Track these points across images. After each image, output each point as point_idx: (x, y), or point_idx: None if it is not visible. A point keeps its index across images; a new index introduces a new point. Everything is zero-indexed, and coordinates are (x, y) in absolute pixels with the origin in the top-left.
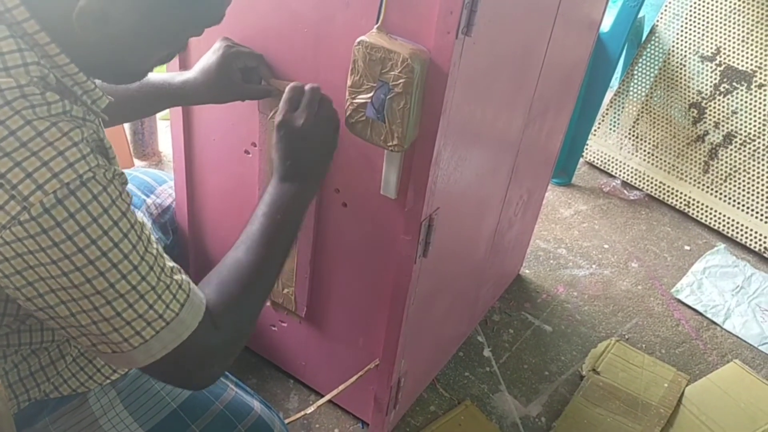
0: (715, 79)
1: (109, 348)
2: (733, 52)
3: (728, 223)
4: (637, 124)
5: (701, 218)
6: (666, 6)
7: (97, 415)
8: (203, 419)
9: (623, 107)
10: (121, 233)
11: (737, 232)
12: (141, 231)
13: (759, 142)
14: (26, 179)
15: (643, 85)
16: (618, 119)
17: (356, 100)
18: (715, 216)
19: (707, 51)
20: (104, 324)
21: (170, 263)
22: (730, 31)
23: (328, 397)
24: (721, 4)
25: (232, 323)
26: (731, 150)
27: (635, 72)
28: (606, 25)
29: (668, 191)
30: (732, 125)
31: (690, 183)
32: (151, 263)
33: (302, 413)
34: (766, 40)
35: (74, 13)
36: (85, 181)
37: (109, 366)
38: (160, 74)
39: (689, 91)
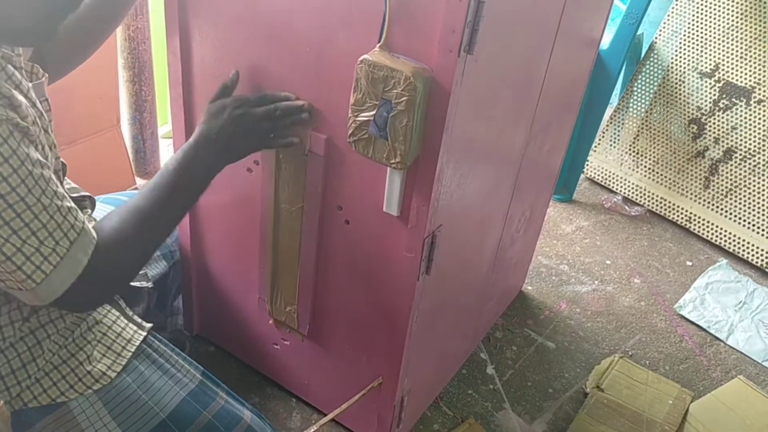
0: (714, 95)
1: (16, 286)
2: (732, 68)
3: (730, 238)
4: (637, 140)
5: (703, 234)
6: (664, 23)
7: (83, 426)
8: (191, 429)
9: (623, 123)
10: (19, 179)
11: (739, 248)
12: (39, 175)
13: (759, 158)
14: None
15: (643, 101)
16: (618, 135)
17: (359, 118)
18: (716, 231)
19: (706, 67)
20: (7, 263)
21: (68, 203)
22: (728, 48)
23: (330, 416)
24: (719, 20)
25: (122, 261)
26: (731, 165)
27: (635, 88)
28: (605, 42)
29: (669, 207)
30: (732, 141)
31: (691, 198)
32: (45, 204)
33: None
34: (764, 56)
35: None
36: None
37: (91, 375)
38: None
39: (689, 107)
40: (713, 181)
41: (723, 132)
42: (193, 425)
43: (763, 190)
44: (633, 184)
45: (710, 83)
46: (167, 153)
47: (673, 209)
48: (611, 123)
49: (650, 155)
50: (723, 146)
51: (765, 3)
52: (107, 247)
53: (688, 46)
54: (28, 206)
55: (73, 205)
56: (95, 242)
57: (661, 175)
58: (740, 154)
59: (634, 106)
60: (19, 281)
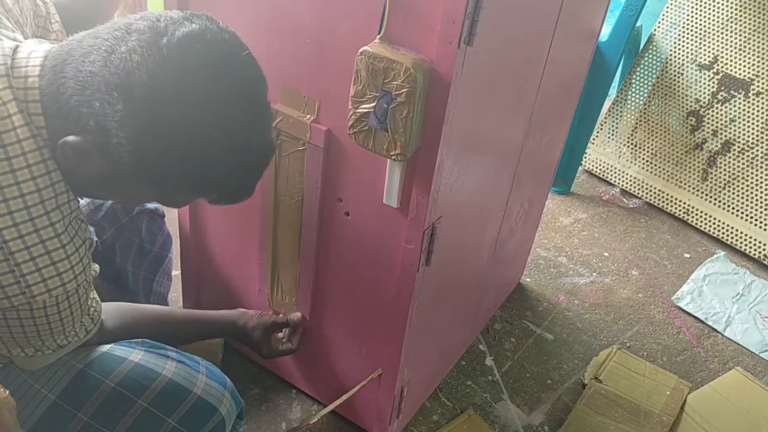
0: (713, 87)
1: (23, 352)
2: (731, 61)
3: (727, 230)
4: (636, 132)
5: (700, 226)
6: (663, 15)
7: None
8: (92, 402)
9: (621, 116)
10: (80, 310)
11: (737, 240)
12: (86, 306)
13: (757, 150)
14: (40, 283)
15: (641, 93)
16: (616, 128)
17: (359, 110)
18: (714, 223)
19: (705, 59)
20: (16, 350)
21: (92, 308)
22: (727, 40)
23: (330, 407)
24: (718, 12)
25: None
26: (730, 158)
27: (633, 81)
28: (604, 34)
29: (667, 199)
30: (730, 133)
31: (689, 191)
32: (76, 316)
33: (305, 424)
34: (763, 48)
35: (59, 142)
36: (79, 287)
37: None
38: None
39: (687, 100)
40: (711, 173)
41: (721, 124)
42: (93, 397)
43: (761, 183)
44: (631, 176)
45: (709, 75)
46: None
47: (671, 201)
48: (609, 115)
49: (648, 147)
50: (721, 138)
51: None
52: (104, 335)
53: (687, 38)
54: (64, 327)
55: (94, 305)
56: (97, 329)
57: (659, 167)
58: (738, 147)
59: (633, 99)
60: (17, 358)
